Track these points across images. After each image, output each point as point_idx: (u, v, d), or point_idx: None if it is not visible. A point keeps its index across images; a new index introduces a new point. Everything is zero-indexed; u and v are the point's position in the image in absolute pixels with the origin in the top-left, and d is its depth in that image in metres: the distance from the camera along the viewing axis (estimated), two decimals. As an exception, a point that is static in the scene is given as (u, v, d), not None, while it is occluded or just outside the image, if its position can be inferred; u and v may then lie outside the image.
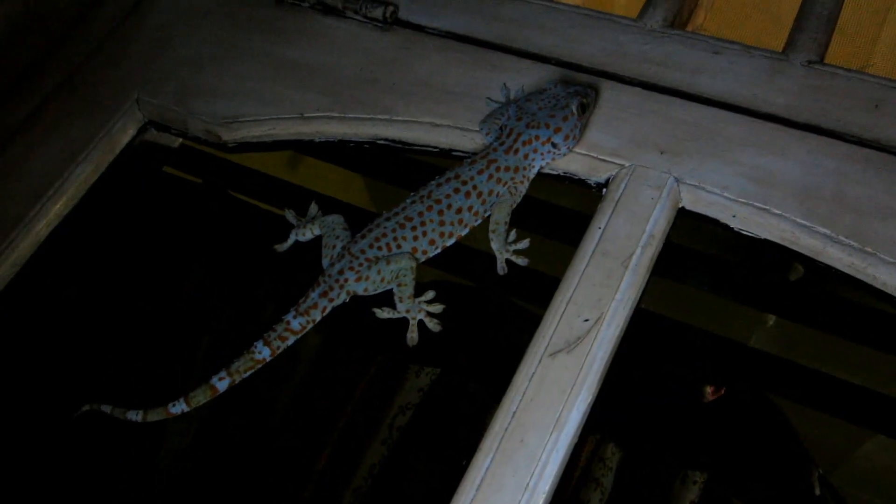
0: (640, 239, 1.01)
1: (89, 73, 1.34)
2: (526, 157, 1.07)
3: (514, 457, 0.90)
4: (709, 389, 1.26)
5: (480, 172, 1.06)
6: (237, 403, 1.60)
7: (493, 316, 1.49)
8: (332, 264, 1.08)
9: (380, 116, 1.20)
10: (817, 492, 1.25)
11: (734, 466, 1.30)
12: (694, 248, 1.38)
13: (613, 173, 1.08)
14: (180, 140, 1.51)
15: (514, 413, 0.93)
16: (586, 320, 0.97)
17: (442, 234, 1.07)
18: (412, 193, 1.08)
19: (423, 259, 1.09)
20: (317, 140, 1.23)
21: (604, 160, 1.09)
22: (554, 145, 1.07)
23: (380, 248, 1.06)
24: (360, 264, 1.06)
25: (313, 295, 1.07)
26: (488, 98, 1.17)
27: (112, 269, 1.65)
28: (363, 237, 1.07)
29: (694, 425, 1.32)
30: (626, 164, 1.08)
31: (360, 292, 1.08)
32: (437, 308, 1.11)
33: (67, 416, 1.22)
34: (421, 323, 1.11)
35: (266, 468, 1.52)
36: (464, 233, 1.10)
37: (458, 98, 1.19)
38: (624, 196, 1.05)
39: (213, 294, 1.57)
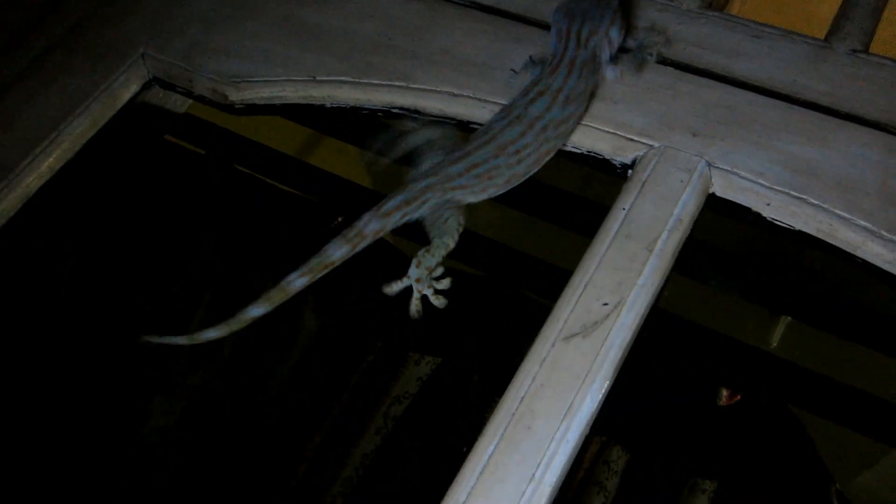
0: (668, 222, 0.95)
1: (97, 24, 1.28)
2: (595, 51, 1.02)
3: (521, 445, 0.84)
4: (724, 393, 1.19)
5: (568, 75, 1.00)
6: (229, 384, 1.53)
7: (503, 306, 1.43)
8: (417, 178, 1.01)
9: (396, 83, 1.13)
10: (834, 507, 1.18)
11: (746, 477, 1.23)
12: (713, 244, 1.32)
13: (641, 153, 1.02)
14: (187, 105, 1.45)
15: (523, 398, 0.86)
16: (605, 304, 0.90)
17: (547, 153, 1.01)
18: (499, 117, 1.00)
19: (515, 184, 1.02)
20: (328, 105, 1.16)
21: (632, 139, 1.03)
22: (609, 39, 1.03)
23: (476, 177, 0.99)
24: (445, 190, 1.00)
25: (396, 200, 1.00)
26: (512, 70, 1.10)
27: (106, 236, 1.59)
28: (458, 160, 0.99)
29: (707, 430, 1.25)
30: (656, 145, 1.01)
31: (423, 219, 1.02)
32: (445, 284, 1.05)
33: (130, 340, 1.13)
34: (425, 298, 1.04)
35: (255, 452, 1.45)
36: (565, 143, 1.04)
37: (479, 69, 1.12)
38: (652, 177, 0.98)
39: (217, 273, 1.50)
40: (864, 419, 1.23)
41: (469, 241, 1.48)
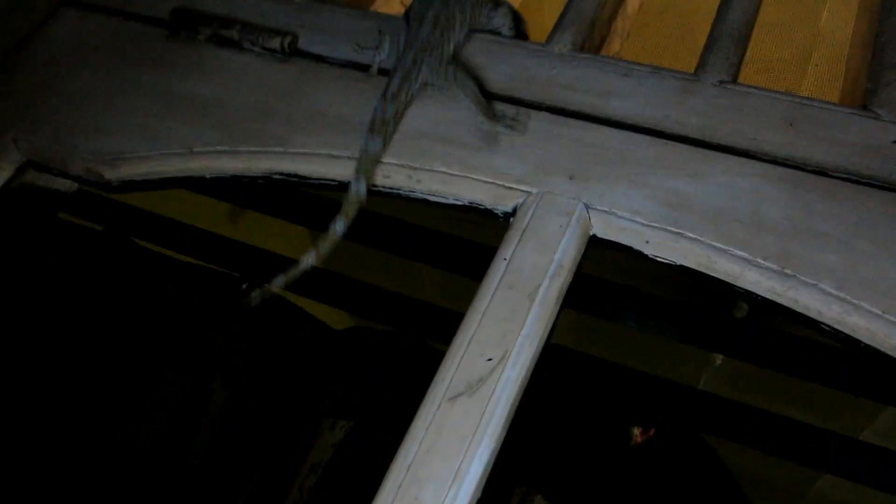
0: (548, 269, 0.93)
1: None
2: None
3: (410, 518, 0.80)
4: (637, 431, 1.17)
5: None
6: (138, 463, 1.46)
7: (407, 359, 1.40)
8: (400, 56, 1.10)
9: (274, 149, 1.11)
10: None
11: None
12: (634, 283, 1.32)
13: (521, 201, 1.01)
14: (76, 185, 1.41)
15: (410, 466, 0.83)
16: (489, 359, 0.88)
17: None
18: None
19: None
20: (207, 176, 1.14)
21: (510, 188, 1.02)
22: None
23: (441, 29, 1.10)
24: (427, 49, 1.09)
25: (396, 80, 1.08)
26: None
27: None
28: (421, 22, 1.11)
29: (624, 468, 1.23)
30: (534, 192, 1.01)
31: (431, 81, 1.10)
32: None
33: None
34: None
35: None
36: None
37: (357, 128, 1.11)
38: (531, 224, 0.97)
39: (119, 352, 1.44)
40: (782, 443, 1.23)
41: (373, 296, 1.46)
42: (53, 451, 1.43)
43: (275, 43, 1.22)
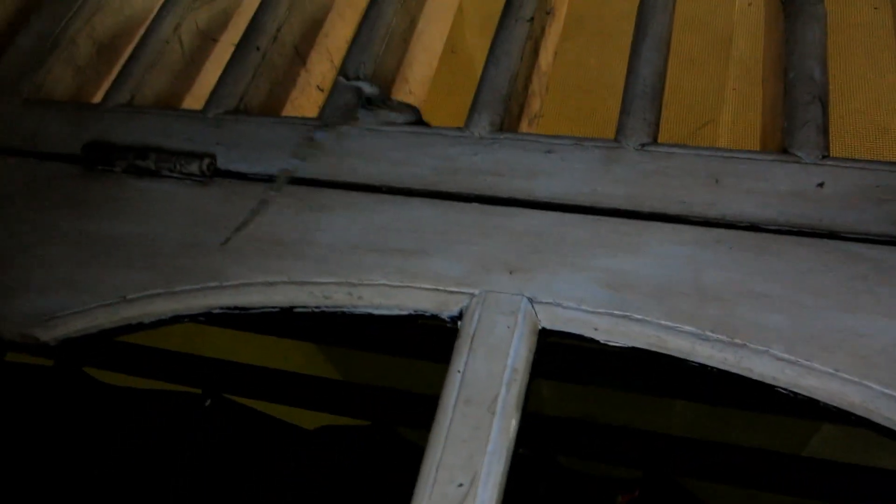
0: (504, 376, 0.93)
1: None
2: None
3: None
4: (620, 499, 1.17)
5: None
6: None
7: (380, 452, 1.38)
8: None
9: (209, 284, 1.09)
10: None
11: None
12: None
13: (465, 304, 1.00)
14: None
15: None
16: (461, 485, 0.87)
17: None
18: None
19: None
20: (146, 322, 1.11)
21: (452, 291, 1.01)
22: None
23: None
24: None
25: None
26: None
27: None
28: None
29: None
30: (476, 292, 1.00)
31: None
32: None
33: None
34: None
35: None
36: None
37: (289, 248, 1.09)
38: (479, 330, 0.96)
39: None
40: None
41: (347, 392, 1.44)
42: None
43: (193, 167, 1.19)
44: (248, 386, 1.51)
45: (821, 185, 1.00)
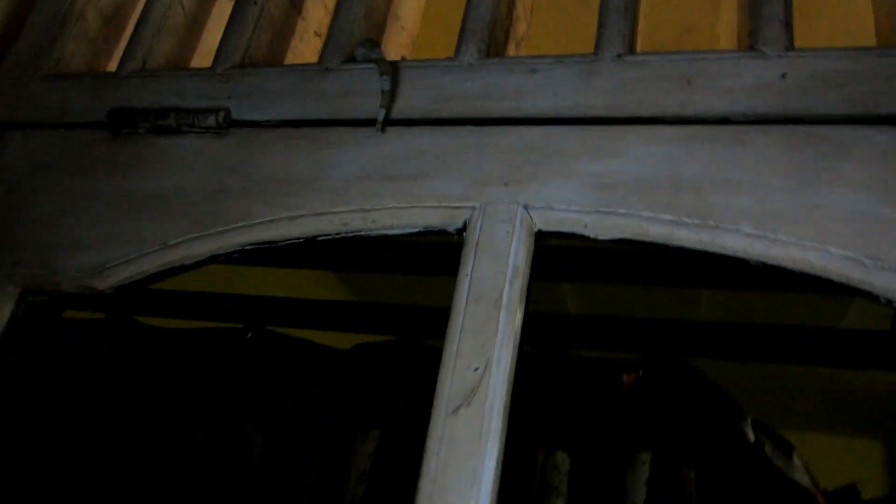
0: (507, 275, 1.05)
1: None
2: None
3: (445, 522, 0.93)
4: (626, 377, 1.31)
5: None
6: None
7: (416, 362, 1.53)
8: None
9: (239, 224, 1.21)
10: (751, 438, 1.31)
11: (672, 435, 1.35)
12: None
13: (468, 216, 1.11)
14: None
15: (434, 478, 0.96)
16: (476, 369, 1.00)
17: None
18: None
19: None
20: (186, 263, 1.24)
21: (456, 207, 1.12)
22: None
23: None
24: None
25: None
26: None
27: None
28: None
29: (625, 409, 1.36)
30: (477, 205, 1.11)
31: None
32: None
33: None
34: None
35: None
36: None
37: (306, 184, 1.21)
38: (482, 238, 1.08)
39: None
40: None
41: (373, 312, 1.58)
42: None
43: (210, 120, 1.30)
44: (284, 316, 1.66)
45: (784, 75, 1.09)
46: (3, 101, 1.47)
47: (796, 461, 1.31)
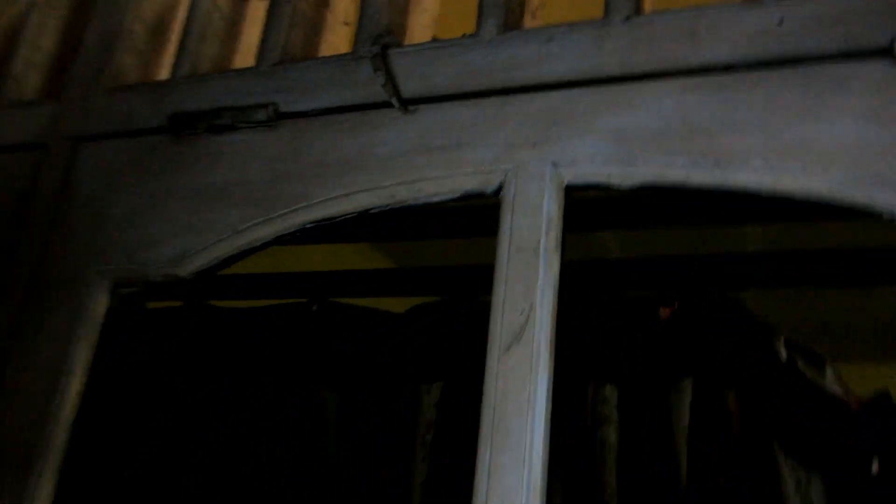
0: (542, 226, 1.17)
1: (44, 276, 1.50)
2: None
3: (507, 443, 1.08)
4: (662, 311, 1.43)
5: None
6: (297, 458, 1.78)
7: (467, 318, 1.67)
8: None
9: (299, 206, 1.35)
10: (784, 355, 1.42)
11: (708, 360, 1.47)
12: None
13: (503, 178, 1.24)
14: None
15: (494, 408, 1.10)
16: (522, 311, 1.13)
17: None
18: None
19: None
20: (256, 245, 1.39)
21: (490, 171, 1.25)
22: None
23: None
24: None
25: None
26: None
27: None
28: None
29: (664, 343, 1.49)
30: (510, 167, 1.23)
31: None
32: None
33: None
34: None
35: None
36: None
37: (355, 164, 1.34)
38: (517, 196, 1.21)
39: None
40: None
41: (422, 276, 1.71)
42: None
43: (261, 115, 1.44)
44: (342, 288, 1.81)
45: (781, 22, 1.18)
46: (74, 117, 1.63)
47: (829, 372, 1.41)
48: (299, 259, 2.07)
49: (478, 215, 1.57)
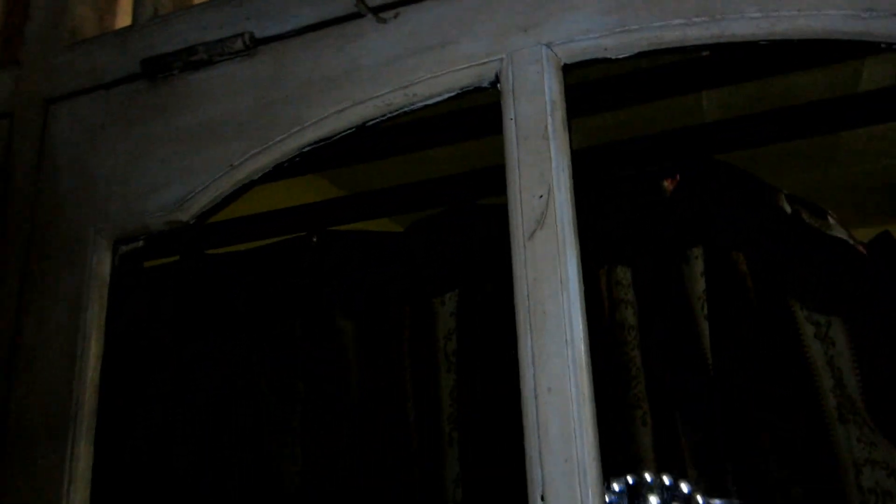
0: (546, 109, 1.16)
1: (41, 244, 1.46)
2: None
3: (546, 326, 1.09)
4: (666, 183, 1.44)
5: None
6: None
7: (471, 222, 1.67)
8: None
9: (293, 130, 1.33)
10: (788, 209, 1.45)
11: (714, 225, 1.49)
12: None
13: (498, 68, 1.22)
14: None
15: (528, 294, 1.11)
16: (541, 196, 1.13)
17: None
18: None
19: None
20: (255, 178, 1.36)
21: (484, 62, 1.23)
22: None
23: None
24: None
25: None
26: None
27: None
28: None
29: (670, 214, 1.51)
30: (504, 56, 1.21)
31: None
32: None
33: None
34: None
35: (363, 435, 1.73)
36: None
37: (343, 78, 1.31)
38: (516, 83, 1.19)
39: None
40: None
41: (417, 190, 1.70)
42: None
43: (238, 45, 1.40)
44: (339, 216, 1.80)
45: None
46: (39, 79, 1.56)
47: (831, 220, 1.45)
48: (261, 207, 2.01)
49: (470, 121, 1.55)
